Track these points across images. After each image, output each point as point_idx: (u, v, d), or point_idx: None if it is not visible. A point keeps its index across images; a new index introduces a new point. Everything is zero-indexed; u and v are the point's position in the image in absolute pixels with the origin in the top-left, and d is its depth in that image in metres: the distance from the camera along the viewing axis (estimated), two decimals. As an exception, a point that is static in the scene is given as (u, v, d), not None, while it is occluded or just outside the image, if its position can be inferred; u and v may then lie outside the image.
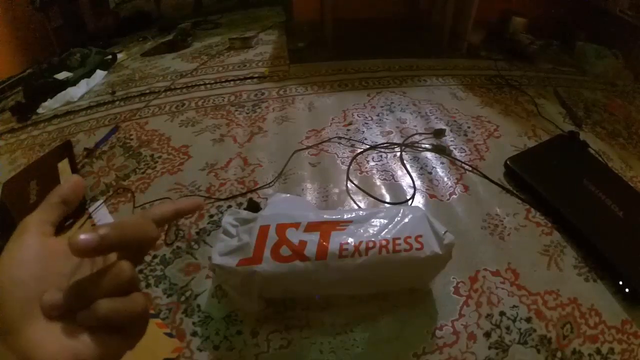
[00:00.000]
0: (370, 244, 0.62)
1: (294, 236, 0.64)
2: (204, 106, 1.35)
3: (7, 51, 1.99)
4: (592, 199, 0.90)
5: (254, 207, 0.89)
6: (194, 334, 0.69)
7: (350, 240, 0.63)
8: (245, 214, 0.72)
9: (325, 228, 0.65)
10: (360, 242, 0.62)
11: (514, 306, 0.73)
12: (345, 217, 0.67)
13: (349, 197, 0.96)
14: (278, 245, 0.63)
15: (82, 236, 0.23)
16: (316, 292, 0.70)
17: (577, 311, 0.72)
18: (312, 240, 0.63)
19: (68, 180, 0.31)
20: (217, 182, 1.01)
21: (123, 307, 0.25)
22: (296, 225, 0.65)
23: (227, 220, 0.71)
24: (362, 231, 0.65)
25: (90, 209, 0.95)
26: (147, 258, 0.82)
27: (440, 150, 1.10)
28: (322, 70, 1.55)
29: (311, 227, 0.65)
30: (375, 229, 0.65)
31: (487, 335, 0.68)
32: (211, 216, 0.91)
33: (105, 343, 0.25)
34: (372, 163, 1.07)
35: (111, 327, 0.25)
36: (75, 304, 0.24)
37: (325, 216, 0.67)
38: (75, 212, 0.94)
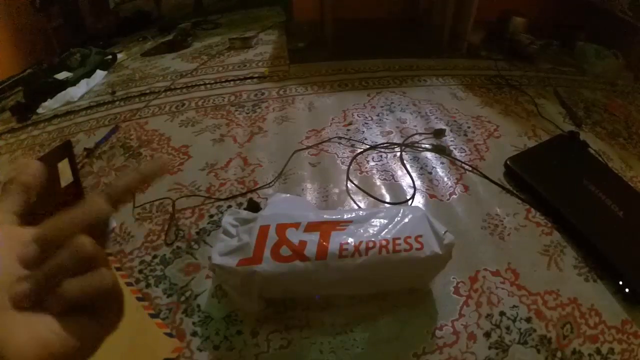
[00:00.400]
0: (370, 244, 0.62)
1: (294, 236, 0.64)
2: (204, 106, 1.35)
3: (7, 51, 1.99)
4: (592, 199, 0.90)
5: (254, 207, 0.89)
6: (194, 334, 0.69)
7: (350, 240, 0.63)
8: (245, 214, 0.72)
9: (325, 228, 0.65)
10: (360, 242, 0.62)
11: (514, 306, 0.73)
12: (345, 217, 0.67)
13: (349, 197, 0.96)
14: (278, 245, 0.63)
15: (21, 251, 0.23)
16: (316, 292, 0.70)
17: (577, 311, 0.72)
18: (312, 240, 0.63)
19: (28, 166, 0.29)
20: (217, 182, 1.01)
21: (88, 284, 0.23)
22: (296, 225, 0.65)
23: (227, 220, 0.71)
24: (362, 231, 0.64)
25: (90, 209, 0.95)
26: (147, 258, 0.83)
27: (440, 150, 1.10)
28: (322, 70, 1.55)
29: (311, 227, 0.65)
30: (375, 229, 0.65)
31: (487, 335, 0.68)
32: (211, 216, 0.91)
33: (78, 328, 0.24)
34: (372, 163, 1.07)
35: (83, 310, 0.24)
36: (42, 290, 0.23)
37: (325, 216, 0.67)
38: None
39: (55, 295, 0.23)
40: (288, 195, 0.92)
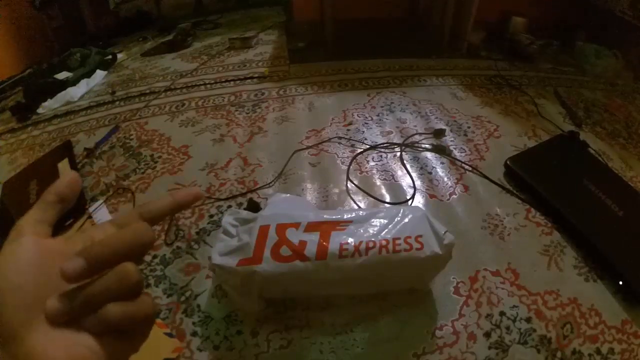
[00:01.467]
0: (371, 244, 0.62)
1: (294, 236, 0.64)
2: (204, 106, 1.35)
3: (7, 51, 1.99)
4: (592, 199, 0.90)
5: (254, 207, 0.89)
6: (194, 334, 0.69)
7: (350, 240, 0.63)
8: (245, 214, 0.72)
9: (325, 228, 0.65)
10: (360, 242, 0.62)
11: (514, 306, 0.73)
12: (345, 217, 0.67)
13: (349, 197, 0.96)
14: (278, 245, 0.63)
15: (67, 265, 0.23)
16: (316, 292, 0.70)
17: (577, 311, 0.72)
18: (312, 240, 0.63)
19: (64, 176, 0.29)
20: (217, 182, 1.01)
21: (133, 311, 0.24)
22: (296, 225, 0.65)
23: (227, 220, 0.71)
24: (362, 231, 0.64)
25: (91, 209, 0.95)
26: (147, 258, 0.83)
27: (440, 150, 1.10)
28: (322, 70, 1.55)
29: (311, 227, 0.65)
30: (375, 229, 0.65)
31: (487, 335, 0.68)
32: (211, 216, 0.91)
33: (112, 347, 0.25)
34: (372, 163, 1.07)
35: (118, 331, 0.24)
36: (81, 310, 0.23)
37: (325, 216, 0.67)
38: (75, 211, 0.94)
39: (97, 316, 0.23)
40: (288, 195, 0.92)
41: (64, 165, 1.07)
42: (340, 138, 1.16)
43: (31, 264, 0.25)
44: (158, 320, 0.71)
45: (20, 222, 0.27)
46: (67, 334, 0.24)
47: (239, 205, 0.94)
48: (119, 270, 0.24)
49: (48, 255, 0.26)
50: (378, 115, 1.26)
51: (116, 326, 0.24)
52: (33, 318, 0.23)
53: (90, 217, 0.93)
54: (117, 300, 0.24)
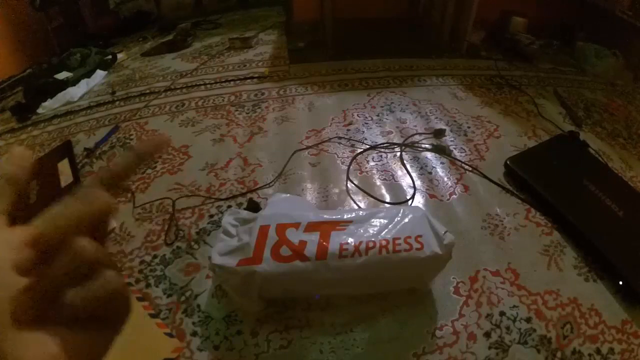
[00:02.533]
0: (371, 244, 0.62)
1: (294, 236, 0.64)
2: (204, 106, 1.35)
3: (7, 51, 1.99)
4: (592, 199, 0.90)
5: (254, 207, 0.89)
6: (194, 334, 0.69)
7: (350, 240, 0.63)
8: (246, 214, 0.72)
9: (325, 228, 0.65)
10: (360, 242, 0.62)
11: (514, 306, 0.73)
12: (345, 217, 0.67)
13: (349, 197, 0.96)
14: (278, 245, 0.63)
15: (16, 260, 0.21)
16: (316, 292, 0.70)
17: (577, 311, 0.72)
18: (312, 240, 0.63)
19: (12, 157, 0.26)
20: (217, 182, 1.01)
21: (94, 293, 0.21)
22: (296, 225, 0.65)
23: (227, 220, 0.71)
24: (362, 231, 0.64)
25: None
26: (147, 258, 0.83)
27: (440, 150, 1.10)
28: (322, 70, 1.55)
29: (311, 227, 0.65)
30: (375, 229, 0.65)
31: (487, 335, 0.68)
32: (211, 216, 0.91)
33: (87, 335, 0.22)
34: (372, 163, 1.07)
35: (90, 316, 0.22)
36: (44, 303, 0.21)
37: (325, 216, 0.67)
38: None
39: (60, 306, 0.21)
40: (288, 195, 0.92)
41: (64, 165, 1.07)
42: (340, 138, 1.16)
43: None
44: (158, 321, 0.71)
45: None
46: (37, 335, 0.21)
47: (239, 205, 0.94)
48: (71, 248, 0.21)
49: (3, 247, 0.23)
50: (378, 115, 1.26)
51: (82, 313, 0.21)
52: (2, 319, 0.20)
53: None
54: (77, 282, 0.21)
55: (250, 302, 0.66)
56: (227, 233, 0.69)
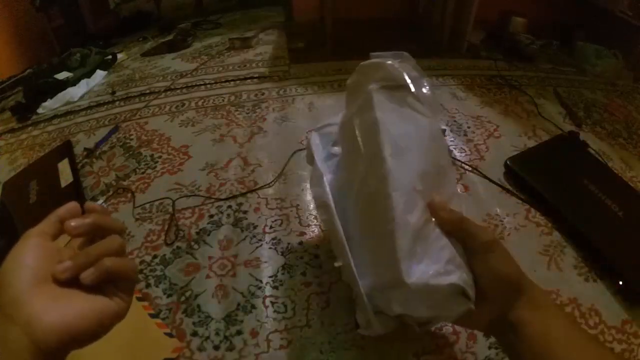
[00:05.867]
0: None
1: None
2: (204, 106, 1.36)
3: (7, 51, 1.99)
4: (592, 199, 0.90)
5: None
6: (194, 334, 0.69)
7: None
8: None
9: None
10: None
11: (514, 306, 0.73)
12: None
13: (349, 197, 0.96)
14: None
15: (59, 266, 0.33)
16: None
17: (577, 311, 0.72)
18: None
19: (66, 205, 0.38)
20: (217, 182, 1.01)
21: (121, 263, 0.34)
22: None
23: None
24: None
25: (90, 209, 0.95)
26: (147, 258, 0.83)
27: (440, 150, 1.10)
28: (322, 70, 1.55)
29: None
30: None
31: (487, 335, 0.68)
32: (211, 216, 0.91)
33: (99, 304, 0.33)
34: (372, 163, 1.07)
35: (106, 289, 0.34)
36: (83, 265, 0.33)
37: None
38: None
39: (95, 266, 0.33)
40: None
41: (64, 165, 1.07)
42: (340, 138, 1.16)
43: (36, 251, 0.33)
44: (158, 321, 0.71)
45: (29, 231, 0.35)
46: (61, 303, 0.31)
47: (239, 205, 0.94)
48: (109, 237, 0.36)
49: (49, 248, 0.34)
50: (378, 115, 1.26)
51: (109, 272, 0.33)
52: (34, 289, 0.30)
53: (90, 217, 0.93)
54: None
55: None
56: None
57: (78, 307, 0.31)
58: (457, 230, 0.47)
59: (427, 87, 0.54)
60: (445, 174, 0.52)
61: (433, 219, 0.46)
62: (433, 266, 0.41)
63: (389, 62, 0.56)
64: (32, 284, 0.30)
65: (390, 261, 0.41)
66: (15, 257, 0.32)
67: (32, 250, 0.33)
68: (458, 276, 0.41)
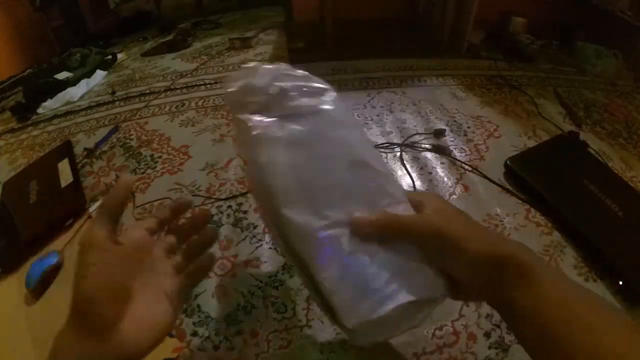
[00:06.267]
0: None
1: None
2: (204, 106, 1.35)
3: (7, 51, 1.99)
4: (592, 199, 0.90)
5: None
6: (194, 334, 0.69)
7: None
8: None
9: None
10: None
11: (514, 306, 0.73)
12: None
13: (349, 197, 0.96)
14: None
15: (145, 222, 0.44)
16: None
17: (577, 311, 0.72)
18: None
19: (117, 184, 0.37)
20: (217, 182, 1.01)
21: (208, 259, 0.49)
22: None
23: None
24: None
25: (91, 209, 0.95)
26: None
27: (440, 150, 1.10)
28: (322, 70, 1.55)
29: None
30: None
31: (487, 335, 0.68)
32: (211, 216, 0.91)
33: (185, 287, 0.44)
34: (372, 163, 1.07)
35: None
36: (192, 257, 0.46)
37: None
38: (75, 212, 0.94)
39: (201, 259, 0.48)
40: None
41: (64, 165, 1.07)
42: (340, 138, 1.16)
43: (113, 249, 0.34)
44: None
45: (91, 237, 0.34)
46: (145, 324, 0.33)
47: (239, 205, 0.94)
48: (205, 233, 0.50)
49: (123, 253, 0.35)
50: (378, 115, 1.26)
51: (194, 255, 0.47)
52: (125, 295, 0.33)
53: (90, 217, 0.93)
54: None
55: None
56: None
57: (155, 324, 0.34)
58: (392, 234, 0.40)
59: (327, 96, 0.53)
60: (377, 181, 0.44)
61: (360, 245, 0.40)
62: (369, 299, 0.38)
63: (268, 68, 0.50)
64: (119, 302, 0.32)
65: (331, 309, 0.39)
66: (91, 278, 0.32)
67: (108, 248, 0.33)
68: (403, 294, 0.38)
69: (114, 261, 0.33)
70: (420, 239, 0.40)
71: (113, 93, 1.52)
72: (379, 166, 0.45)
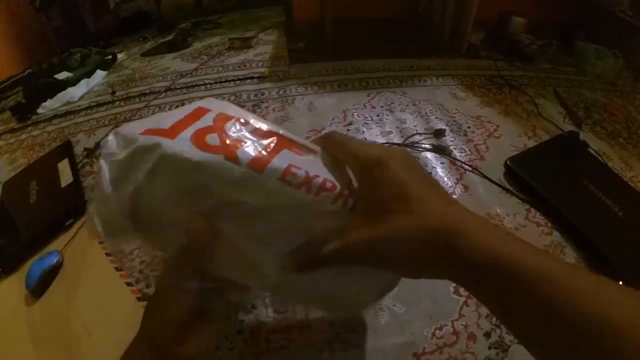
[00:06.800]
0: (329, 185, 0.40)
1: (235, 131, 0.41)
2: (204, 106, 1.35)
3: (7, 51, 1.99)
4: (592, 199, 0.90)
5: None
6: (194, 334, 0.69)
7: (303, 167, 0.40)
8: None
9: (279, 141, 0.42)
10: (317, 176, 0.40)
11: (514, 306, 0.73)
12: (314, 148, 0.46)
13: (349, 197, 0.96)
14: (207, 131, 0.40)
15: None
16: (225, 223, 0.38)
17: (577, 311, 0.72)
18: (255, 144, 0.40)
19: (190, 229, 0.37)
20: (217, 182, 1.00)
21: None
22: (245, 123, 0.42)
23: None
24: (324, 168, 0.43)
25: (91, 209, 0.95)
26: (147, 258, 0.83)
27: (440, 150, 1.10)
28: (322, 70, 1.55)
29: (263, 133, 0.42)
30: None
31: (487, 335, 0.68)
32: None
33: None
34: (372, 163, 1.07)
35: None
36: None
37: (290, 135, 0.44)
38: (75, 212, 0.94)
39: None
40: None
41: (64, 165, 1.07)
42: (340, 138, 1.16)
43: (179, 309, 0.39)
44: (158, 320, 0.71)
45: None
46: (200, 335, 0.38)
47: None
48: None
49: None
50: (378, 115, 1.26)
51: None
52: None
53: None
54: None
55: (121, 204, 0.38)
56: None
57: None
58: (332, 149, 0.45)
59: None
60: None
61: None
62: None
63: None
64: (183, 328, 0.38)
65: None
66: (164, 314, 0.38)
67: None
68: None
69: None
70: (357, 167, 0.39)
71: (113, 93, 1.52)
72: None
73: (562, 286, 0.28)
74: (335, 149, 0.43)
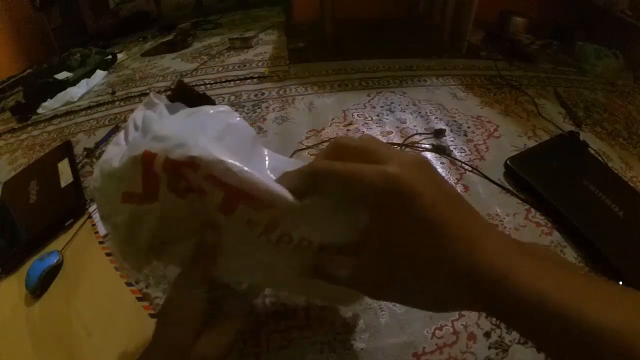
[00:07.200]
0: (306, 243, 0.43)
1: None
2: (204, 106, 1.35)
3: (7, 51, 1.99)
4: (592, 199, 0.90)
5: (189, 97, 0.56)
6: (194, 334, 0.69)
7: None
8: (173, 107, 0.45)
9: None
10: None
11: (514, 306, 0.73)
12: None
13: (349, 197, 0.96)
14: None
15: None
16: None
17: (577, 311, 0.72)
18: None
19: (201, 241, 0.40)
20: (217, 182, 1.00)
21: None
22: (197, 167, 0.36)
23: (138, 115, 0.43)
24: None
25: (90, 209, 0.95)
26: (147, 258, 0.83)
27: (440, 150, 1.10)
28: (322, 70, 1.55)
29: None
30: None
31: (487, 335, 0.68)
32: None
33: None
34: (372, 163, 1.07)
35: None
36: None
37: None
38: (75, 212, 0.94)
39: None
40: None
41: (64, 165, 1.07)
42: (340, 138, 1.16)
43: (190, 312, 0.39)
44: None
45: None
46: (214, 335, 0.39)
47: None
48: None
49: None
50: (378, 115, 1.26)
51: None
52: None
53: (90, 217, 0.93)
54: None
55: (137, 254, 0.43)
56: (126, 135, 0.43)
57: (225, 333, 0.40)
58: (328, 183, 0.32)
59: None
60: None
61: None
62: None
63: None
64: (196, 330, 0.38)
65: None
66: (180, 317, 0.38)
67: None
68: None
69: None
70: (368, 195, 0.28)
71: (113, 93, 1.53)
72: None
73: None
74: (329, 175, 0.32)
